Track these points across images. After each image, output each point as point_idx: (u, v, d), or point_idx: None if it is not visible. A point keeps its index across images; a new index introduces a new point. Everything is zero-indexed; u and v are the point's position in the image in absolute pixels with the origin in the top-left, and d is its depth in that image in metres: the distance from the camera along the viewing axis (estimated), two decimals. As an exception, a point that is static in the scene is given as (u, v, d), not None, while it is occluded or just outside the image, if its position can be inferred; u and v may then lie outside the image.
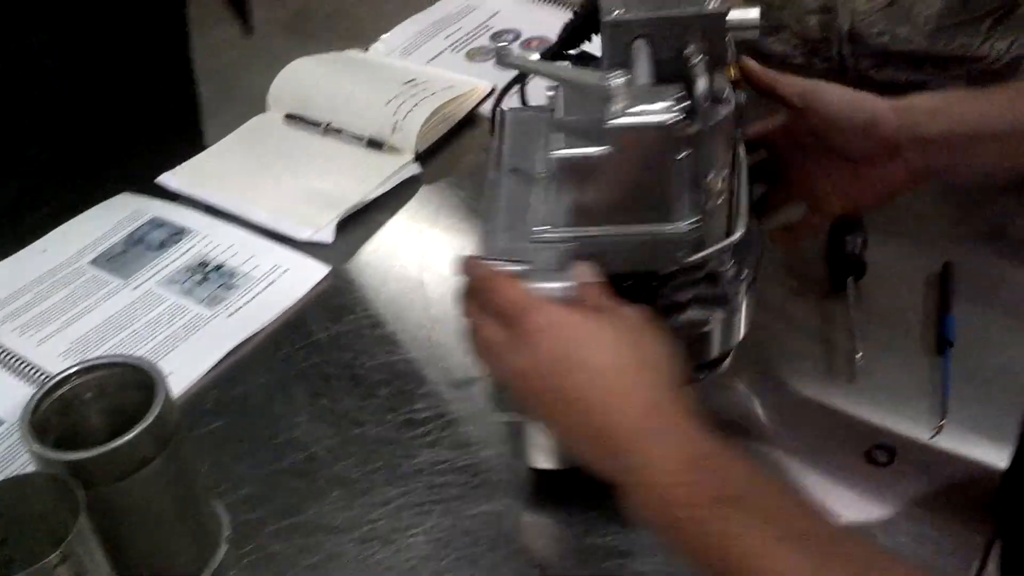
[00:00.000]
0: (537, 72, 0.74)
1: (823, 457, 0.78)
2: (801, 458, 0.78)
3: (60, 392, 0.69)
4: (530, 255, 0.66)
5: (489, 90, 1.17)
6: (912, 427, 0.79)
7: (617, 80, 0.61)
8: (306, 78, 1.17)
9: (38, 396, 0.68)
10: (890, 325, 0.87)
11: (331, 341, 0.91)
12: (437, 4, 1.35)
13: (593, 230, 0.66)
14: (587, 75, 0.67)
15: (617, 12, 0.68)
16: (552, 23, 1.28)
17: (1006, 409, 0.79)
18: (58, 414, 0.69)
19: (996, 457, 0.76)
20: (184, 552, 0.73)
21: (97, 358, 0.71)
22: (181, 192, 1.08)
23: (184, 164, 1.11)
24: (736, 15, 0.67)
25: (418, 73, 1.18)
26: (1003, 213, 0.96)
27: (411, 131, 1.08)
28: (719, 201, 0.67)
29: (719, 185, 0.66)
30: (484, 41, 1.27)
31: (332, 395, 0.86)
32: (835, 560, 0.51)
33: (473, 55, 1.25)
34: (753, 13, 0.67)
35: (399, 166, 1.07)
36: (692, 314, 0.71)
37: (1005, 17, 1.03)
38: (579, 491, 0.71)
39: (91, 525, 0.63)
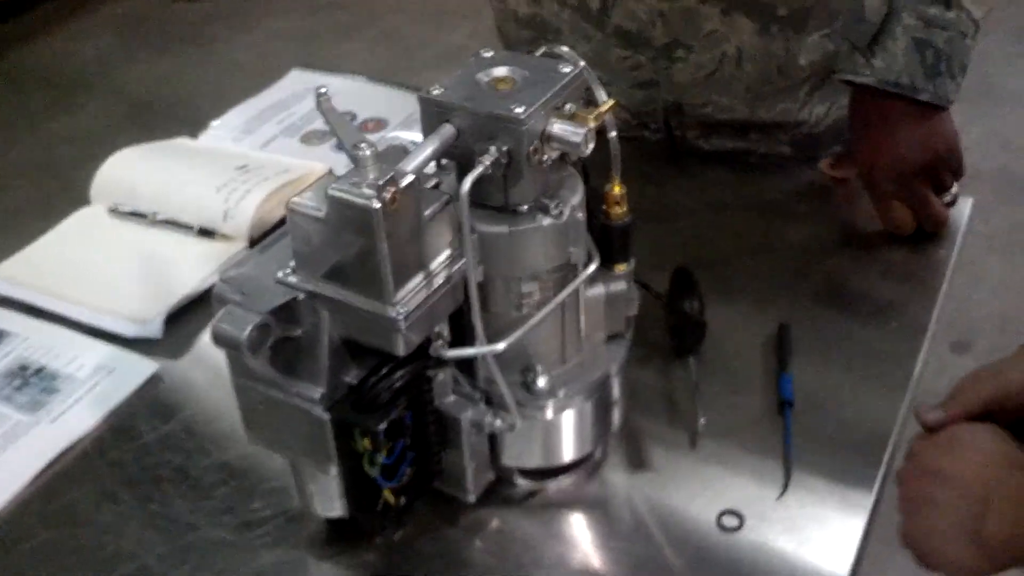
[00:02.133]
0: (328, 125, 0.74)
1: (674, 524, 0.77)
2: (652, 527, 0.77)
3: None
4: (255, 288, 0.66)
5: (326, 172, 1.15)
6: (759, 490, 0.79)
7: (364, 151, 0.60)
8: (131, 168, 1.13)
9: None
10: (731, 387, 0.87)
11: (161, 442, 0.86)
12: (268, 90, 1.33)
13: (327, 288, 0.65)
14: (351, 137, 0.67)
15: (435, 90, 0.67)
16: (387, 105, 1.28)
17: (849, 465, 0.80)
18: None
19: (843, 515, 0.77)
20: None
21: None
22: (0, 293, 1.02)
23: (2, 263, 1.05)
24: (560, 128, 0.66)
25: (250, 159, 1.15)
26: (835, 272, 0.99)
27: (244, 217, 1.05)
28: (440, 293, 0.66)
29: (438, 280, 0.66)
30: (319, 125, 1.25)
31: (163, 499, 0.81)
32: None
33: (308, 139, 1.23)
34: (578, 135, 0.66)
35: (232, 254, 1.03)
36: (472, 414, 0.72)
37: (821, 84, 1.07)
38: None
39: None
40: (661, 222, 1.06)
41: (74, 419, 0.88)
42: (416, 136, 1.20)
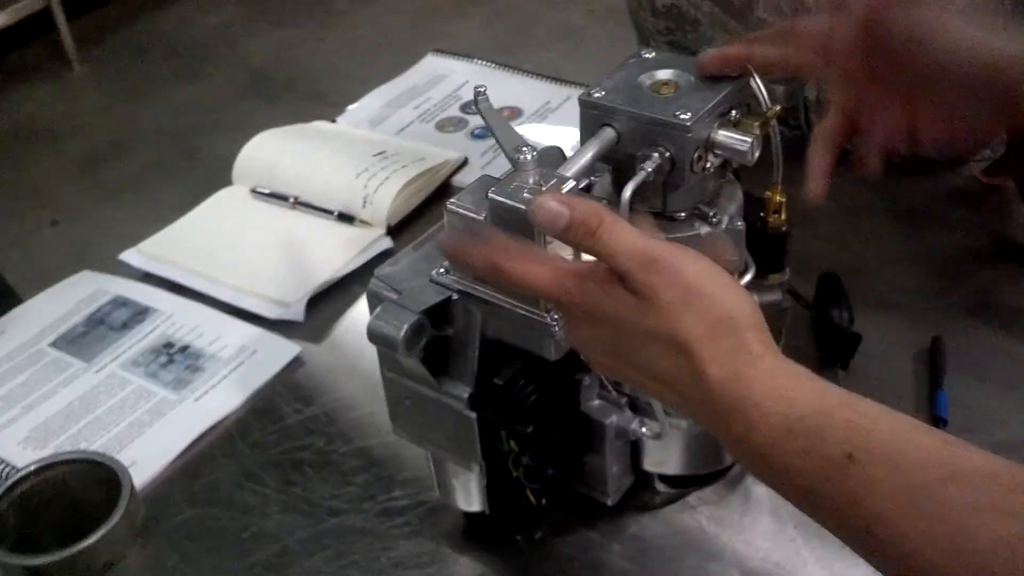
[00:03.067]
0: (486, 125, 0.72)
1: (819, 541, 0.75)
2: (796, 540, 0.75)
3: (19, 491, 0.66)
4: (409, 287, 0.66)
5: (462, 161, 1.15)
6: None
7: (525, 156, 0.60)
8: (272, 152, 1.15)
9: (-8, 500, 0.64)
10: (883, 402, 0.85)
11: (303, 425, 0.87)
12: (404, 75, 1.34)
13: (480, 289, 0.64)
14: (510, 140, 0.66)
15: (596, 92, 0.66)
16: (519, 91, 1.28)
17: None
18: (16, 514, 0.66)
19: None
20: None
21: (58, 454, 0.67)
22: (144, 269, 1.05)
23: (147, 241, 1.07)
24: (725, 136, 0.65)
25: (388, 145, 1.15)
26: (989, 285, 0.95)
27: (382, 205, 1.06)
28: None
29: None
30: (454, 112, 1.25)
31: (305, 483, 0.82)
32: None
33: (443, 126, 1.23)
34: (744, 144, 0.65)
35: (370, 240, 1.04)
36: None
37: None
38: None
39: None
40: (800, 225, 1.03)
41: (218, 399, 0.90)
42: (550, 128, 1.20)
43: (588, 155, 0.65)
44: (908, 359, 0.87)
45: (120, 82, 3.65)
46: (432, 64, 1.36)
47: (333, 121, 1.26)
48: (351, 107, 1.28)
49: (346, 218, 1.07)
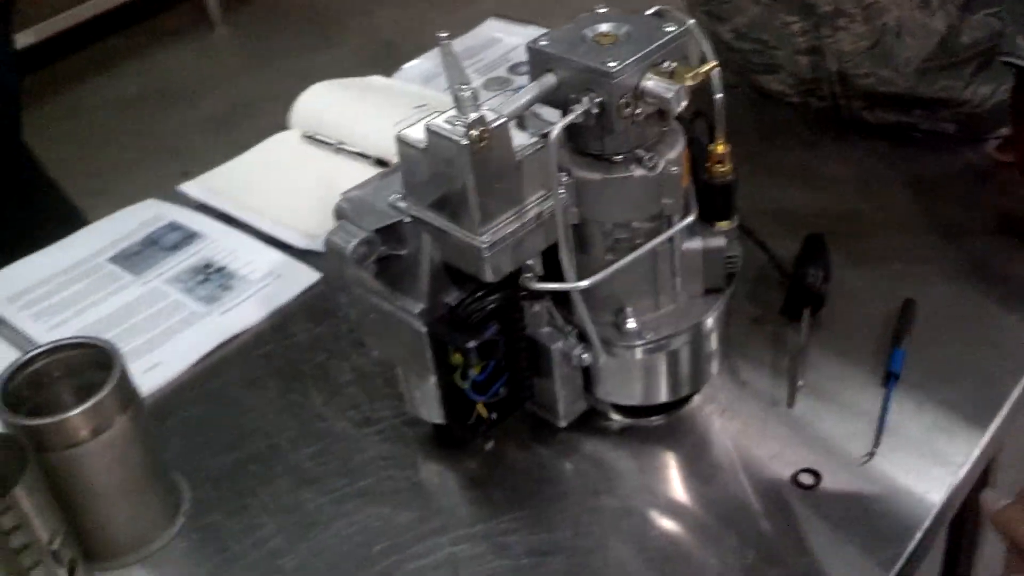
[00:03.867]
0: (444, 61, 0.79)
1: (752, 475, 0.80)
2: (731, 474, 0.81)
3: (30, 369, 0.76)
4: (371, 208, 0.74)
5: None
6: (843, 454, 0.81)
7: (464, 92, 0.67)
8: (325, 100, 1.24)
9: (8, 372, 0.75)
10: (841, 356, 0.89)
11: (309, 342, 0.97)
12: (463, 36, 1.42)
13: (428, 214, 0.72)
14: (455, 78, 0.72)
15: (542, 41, 0.73)
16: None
17: (942, 446, 0.81)
18: (30, 389, 0.76)
19: (923, 488, 0.78)
20: (141, 520, 0.79)
21: (64, 339, 0.77)
22: (199, 200, 1.16)
23: (204, 175, 1.19)
24: (653, 84, 0.70)
25: (430, 98, 1.24)
26: (979, 254, 0.97)
27: (415, 152, 1.14)
28: (530, 228, 0.72)
29: (528, 215, 0.71)
30: (502, 72, 1.33)
31: (302, 391, 0.92)
32: None
33: (489, 84, 1.31)
34: (670, 92, 0.69)
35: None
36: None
37: (987, 63, 1.04)
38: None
39: (43, 484, 0.70)
40: (809, 189, 1.08)
41: (241, 314, 1.00)
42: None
43: (527, 97, 0.72)
44: (879, 317, 0.91)
45: (258, 46, 3.85)
46: (491, 27, 1.44)
47: (389, 76, 1.35)
48: (407, 64, 1.37)
49: (382, 164, 1.16)
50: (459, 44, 1.39)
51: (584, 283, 0.74)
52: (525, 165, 0.71)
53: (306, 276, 1.04)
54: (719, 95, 0.75)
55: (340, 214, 0.75)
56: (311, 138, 1.22)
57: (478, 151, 0.67)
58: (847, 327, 0.91)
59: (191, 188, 1.17)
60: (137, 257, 1.09)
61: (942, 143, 1.11)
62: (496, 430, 0.81)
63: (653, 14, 0.76)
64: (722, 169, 0.78)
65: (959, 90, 1.07)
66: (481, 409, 0.79)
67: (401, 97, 1.25)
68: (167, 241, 1.10)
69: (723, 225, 0.80)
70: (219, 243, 1.09)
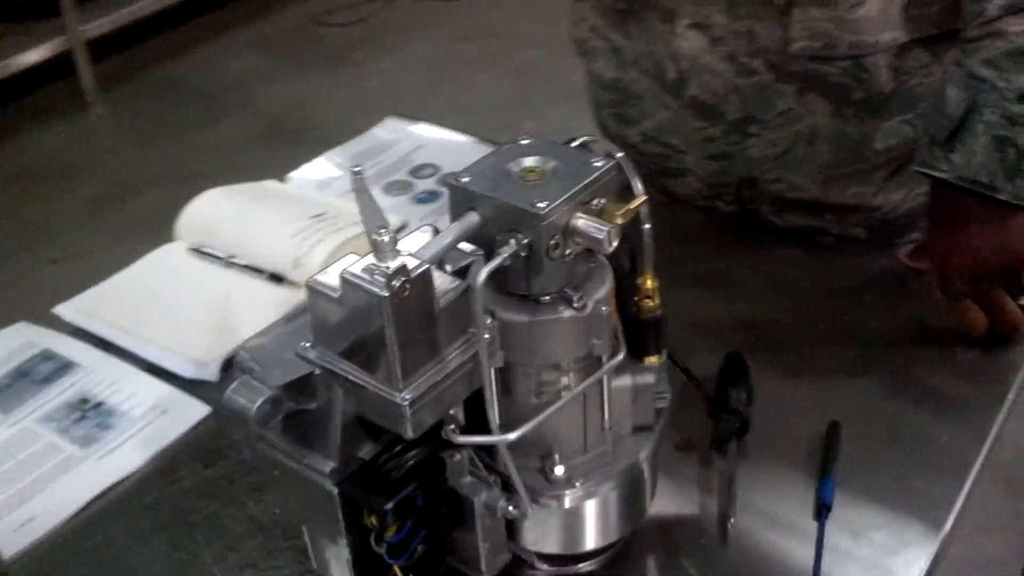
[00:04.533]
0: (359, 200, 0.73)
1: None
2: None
3: None
4: (276, 360, 0.67)
5: (400, 225, 1.17)
6: (785, 597, 0.76)
7: (382, 237, 0.61)
8: (214, 210, 1.17)
9: None
10: (772, 485, 0.85)
11: (198, 488, 0.88)
12: (360, 137, 1.36)
13: (342, 366, 0.65)
14: (373, 220, 0.65)
15: (464, 177, 0.67)
16: (472, 160, 1.29)
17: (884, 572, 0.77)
18: None
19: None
20: None
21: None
22: (75, 324, 1.06)
23: (82, 295, 1.09)
24: (584, 224, 0.65)
25: (328, 206, 1.17)
26: (900, 368, 0.95)
27: (312, 267, 1.07)
28: (454, 378, 0.66)
29: (451, 365, 0.65)
30: (403, 176, 1.27)
31: (192, 547, 0.83)
32: None
33: (389, 189, 1.25)
34: (601, 232, 0.64)
35: (298, 302, 1.06)
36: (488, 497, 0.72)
37: (898, 170, 1.04)
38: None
39: None
40: (724, 300, 1.05)
41: (122, 457, 0.91)
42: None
43: (448, 239, 0.66)
44: (804, 441, 0.87)
45: (136, 125, 3.73)
46: (390, 127, 1.38)
47: (282, 181, 1.28)
48: (303, 167, 1.30)
49: (276, 279, 1.09)
50: (355, 146, 1.34)
51: (512, 435, 0.68)
52: (447, 311, 0.65)
53: (194, 410, 0.95)
54: (647, 226, 0.71)
55: (241, 368, 0.68)
56: (198, 251, 1.14)
57: (399, 303, 0.61)
58: (774, 452, 0.87)
59: (66, 311, 1.07)
60: (6, 392, 0.99)
61: (853, 248, 1.10)
62: (415, 593, 0.74)
63: (579, 146, 0.71)
64: (651, 304, 0.73)
65: (870, 196, 1.06)
66: (398, 572, 0.72)
67: (296, 206, 1.18)
68: (39, 372, 1.01)
69: (652, 360, 0.75)
70: (97, 374, 1.00)
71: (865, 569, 0.77)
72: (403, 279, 0.61)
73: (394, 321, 0.61)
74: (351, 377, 0.65)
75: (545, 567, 0.79)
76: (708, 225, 1.16)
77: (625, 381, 0.74)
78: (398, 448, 0.68)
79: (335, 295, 0.64)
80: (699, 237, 1.15)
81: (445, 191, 1.24)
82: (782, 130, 1.03)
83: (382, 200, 1.23)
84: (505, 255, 0.64)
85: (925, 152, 0.91)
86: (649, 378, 0.75)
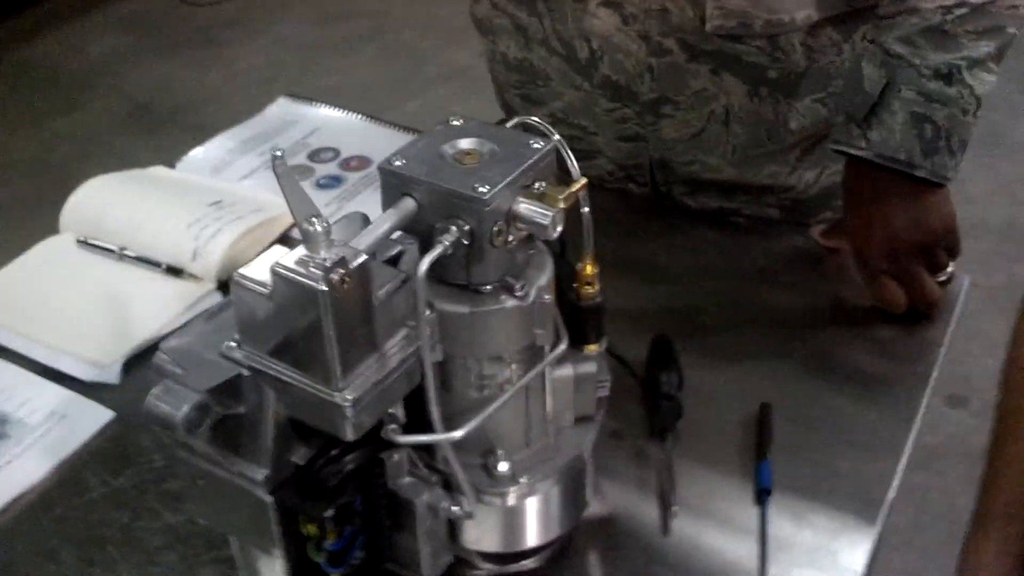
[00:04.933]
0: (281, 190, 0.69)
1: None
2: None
3: None
4: (198, 361, 0.62)
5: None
6: (731, 585, 0.75)
7: (315, 227, 0.57)
8: (100, 199, 1.09)
9: None
10: (709, 470, 0.84)
11: (108, 498, 0.82)
12: (253, 119, 1.30)
13: (271, 366, 0.61)
14: (303, 209, 0.62)
15: (397, 161, 0.64)
16: (376, 142, 1.25)
17: (831, 560, 0.76)
18: None
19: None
20: None
21: None
22: (-46, 325, 0.99)
23: (-40, 295, 1.01)
24: (527, 209, 0.62)
25: (225, 194, 1.11)
26: (824, 347, 0.95)
27: (213, 257, 1.02)
28: (395, 375, 0.62)
29: (392, 361, 0.62)
30: (301, 160, 1.22)
31: (105, 563, 0.77)
32: None
33: (288, 174, 1.19)
34: (546, 218, 0.62)
35: (199, 295, 1.00)
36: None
37: (811, 149, 1.04)
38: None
39: None
40: (642, 283, 1.03)
41: (22, 469, 0.84)
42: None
43: (384, 226, 0.62)
44: (738, 425, 0.87)
45: (-3, 111, 3.53)
46: (284, 108, 1.33)
47: (172, 167, 1.21)
48: (193, 152, 1.23)
49: (174, 271, 1.03)
50: (251, 128, 1.28)
51: (458, 433, 0.64)
52: (385, 305, 0.61)
53: (96, 415, 0.89)
54: (586, 209, 0.68)
55: (160, 371, 0.63)
56: (87, 243, 1.07)
57: (338, 297, 0.57)
58: (707, 436, 0.86)
59: (-56, 311, 0.99)
60: None
61: (768, 229, 1.10)
62: (355, 602, 0.70)
63: (514, 127, 0.68)
64: (591, 291, 0.71)
65: (784, 176, 1.06)
66: (336, 580, 0.68)
67: (191, 193, 1.12)
68: (-82, 380, 0.93)
69: (592, 348, 0.73)
70: (-16, 379, 0.93)
71: (809, 553, 0.77)
72: (341, 272, 0.57)
73: (332, 316, 0.58)
74: (284, 377, 0.61)
75: (488, 566, 0.77)
76: (621, 207, 1.14)
77: (567, 371, 0.72)
78: (335, 452, 0.65)
79: (265, 291, 0.60)
80: (613, 220, 1.12)
81: (348, 176, 1.19)
82: (696, 110, 1.02)
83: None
84: (446, 244, 0.61)
85: (841, 130, 0.91)
86: (591, 367, 0.72)
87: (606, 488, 0.82)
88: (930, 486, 1.94)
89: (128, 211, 1.08)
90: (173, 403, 0.59)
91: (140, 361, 0.94)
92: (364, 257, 0.59)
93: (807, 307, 1.00)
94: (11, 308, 1.00)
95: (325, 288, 0.56)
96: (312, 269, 0.57)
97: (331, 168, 1.20)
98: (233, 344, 0.63)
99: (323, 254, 0.58)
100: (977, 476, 0.86)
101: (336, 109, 1.31)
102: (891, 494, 0.81)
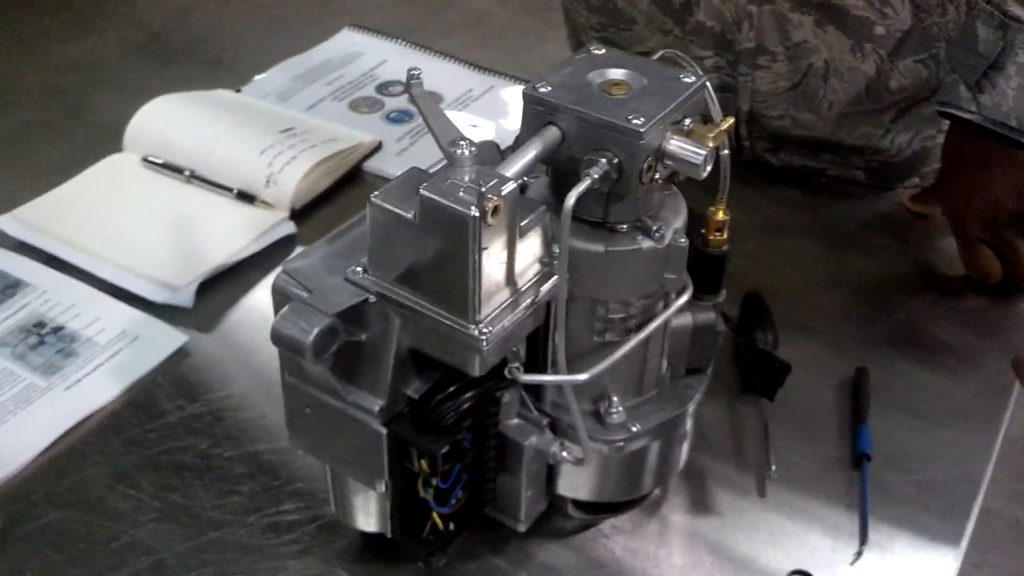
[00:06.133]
0: (419, 113, 0.68)
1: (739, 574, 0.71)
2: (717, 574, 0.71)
3: None
4: (321, 285, 0.59)
5: (376, 145, 1.08)
6: (832, 551, 0.73)
7: (463, 151, 0.54)
8: (169, 118, 1.06)
9: None
10: (804, 433, 0.81)
11: (185, 424, 0.79)
12: (316, 48, 1.26)
13: (401, 293, 0.58)
14: (446, 132, 0.60)
15: (542, 87, 0.60)
16: (441, 77, 1.21)
17: (932, 528, 0.74)
18: None
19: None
20: None
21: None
22: (19, 238, 0.95)
23: (25, 206, 0.98)
24: (678, 146, 0.59)
25: (297, 121, 1.08)
26: (913, 316, 0.93)
27: (287, 186, 0.98)
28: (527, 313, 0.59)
29: (525, 299, 0.59)
30: (370, 92, 1.18)
31: (185, 490, 0.75)
32: None
33: (357, 106, 1.16)
34: (698, 156, 0.59)
35: (272, 223, 0.97)
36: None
37: (907, 111, 1.01)
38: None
39: None
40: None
41: (91, 388, 0.81)
42: (472, 118, 1.14)
43: (531, 154, 0.59)
44: (831, 389, 0.84)
45: (5, 34, 3.45)
46: (347, 39, 1.29)
47: (237, 91, 1.17)
48: (258, 77, 1.20)
49: (246, 197, 0.99)
50: (315, 56, 1.24)
51: (583, 376, 0.62)
52: (525, 239, 0.58)
53: (169, 339, 0.86)
54: (726, 152, 0.65)
55: (282, 293, 0.60)
56: (153, 163, 1.03)
57: (488, 225, 0.54)
58: (801, 399, 0.84)
59: (8, 224, 0.96)
60: (-56, 311, 0.87)
61: (851, 191, 1.07)
62: (454, 544, 0.68)
63: (659, 59, 0.65)
64: (720, 238, 0.68)
65: (878, 137, 1.03)
66: (437, 520, 0.66)
67: (260, 118, 1.08)
68: (-17, 290, 0.89)
69: (709, 299, 0.70)
70: (50, 295, 0.89)
71: (913, 511, 0.75)
72: (494, 198, 0.54)
73: (479, 245, 0.55)
74: (415, 307, 0.58)
75: (578, 514, 0.74)
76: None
77: (685, 320, 0.69)
78: (453, 387, 0.62)
79: (407, 215, 0.56)
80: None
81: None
82: (794, 62, 0.99)
83: (349, 118, 1.14)
84: (596, 176, 0.58)
85: (950, 91, 0.88)
86: (710, 317, 0.70)
87: (700, 447, 0.79)
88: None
89: (197, 133, 1.04)
90: (303, 326, 0.56)
91: (209, 287, 0.91)
92: (515, 184, 0.55)
93: (893, 274, 0.97)
94: (74, 225, 0.96)
95: (476, 214, 0.53)
96: (463, 195, 0.54)
97: (401, 102, 1.16)
98: (359, 269, 0.60)
99: (470, 178, 0.55)
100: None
101: (403, 43, 1.28)
102: (990, 467, 0.79)
